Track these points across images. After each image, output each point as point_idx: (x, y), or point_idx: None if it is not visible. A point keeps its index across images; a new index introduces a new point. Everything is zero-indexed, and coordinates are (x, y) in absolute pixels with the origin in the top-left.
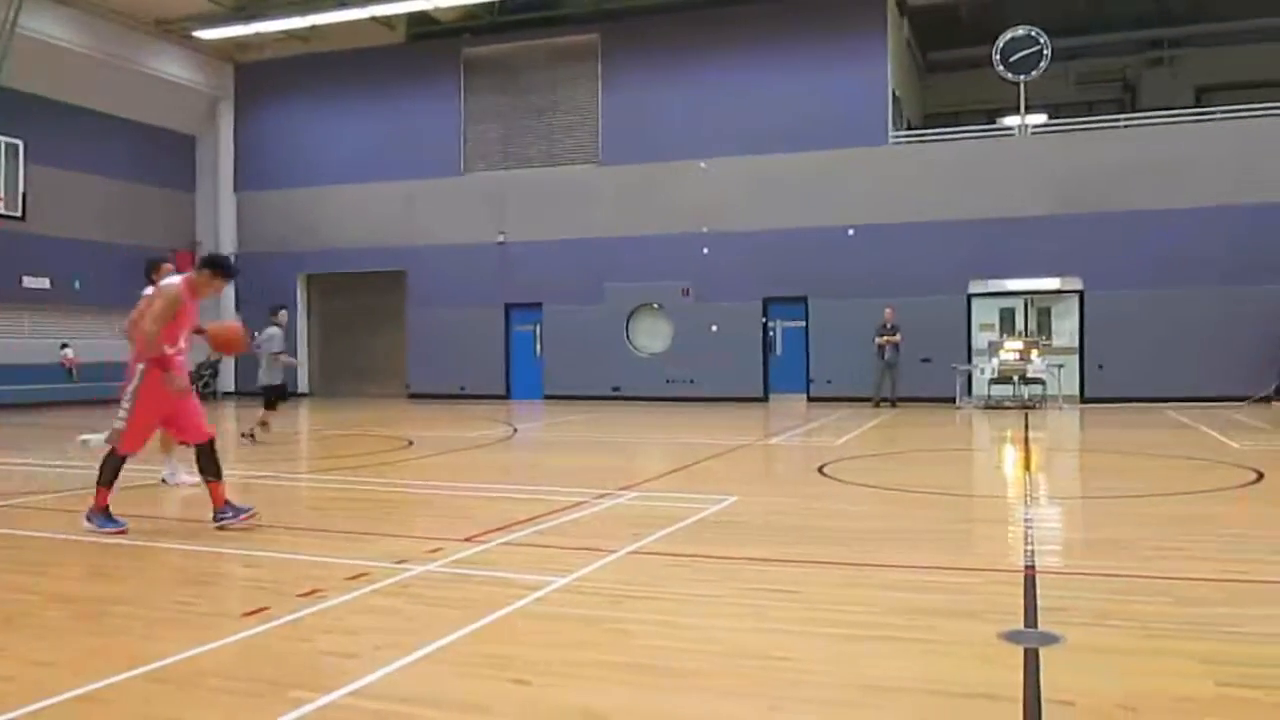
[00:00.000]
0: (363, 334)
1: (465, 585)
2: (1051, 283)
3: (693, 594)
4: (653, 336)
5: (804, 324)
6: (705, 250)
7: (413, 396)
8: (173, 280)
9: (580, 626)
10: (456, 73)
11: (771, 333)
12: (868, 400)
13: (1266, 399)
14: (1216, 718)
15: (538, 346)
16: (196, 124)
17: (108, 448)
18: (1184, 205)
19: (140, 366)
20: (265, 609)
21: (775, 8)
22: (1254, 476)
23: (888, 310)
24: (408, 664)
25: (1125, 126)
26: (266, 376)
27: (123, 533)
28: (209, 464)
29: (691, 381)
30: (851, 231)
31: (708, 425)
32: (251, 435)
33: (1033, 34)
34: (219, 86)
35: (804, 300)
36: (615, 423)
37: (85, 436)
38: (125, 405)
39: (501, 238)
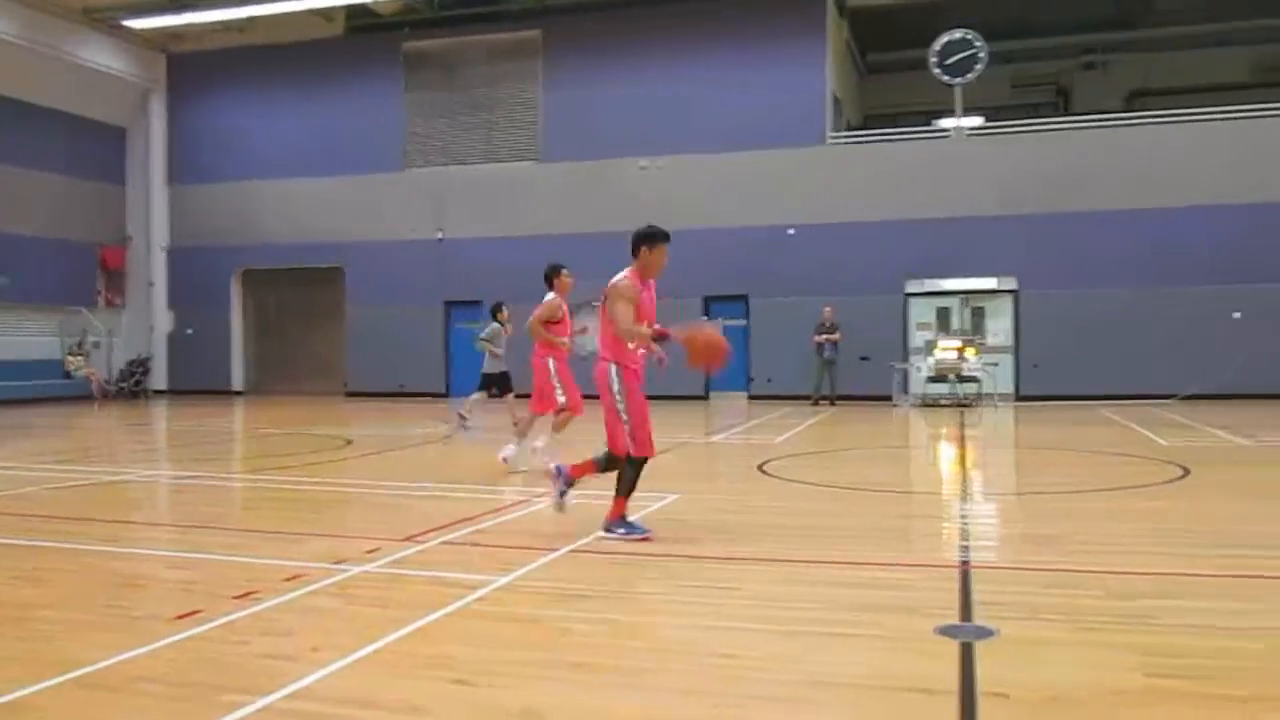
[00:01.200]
0: (300, 331)
1: (404, 585)
2: (987, 282)
3: (635, 592)
4: (595, 334)
5: (745, 322)
6: None
7: (351, 394)
8: (621, 275)
9: (522, 626)
10: (396, 67)
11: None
12: (807, 398)
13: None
14: (1147, 708)
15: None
16: (127, 115)
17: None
18: (1115, 207)
19: (613, 368)
20: (198, 611)
21: (716, 7)
22: (1180, 473)
23: (827, 309)
24: (346, 666)
25: (1058, 130)
26: (489, 366)
27: (648, 539)
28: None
29: None
30: (792, 231)
31: None
32: (464, 418)
33: (968, 37)
34: (150, 77)
35: (744, 299)
36: None
37: (504, 454)
38: (623, 414)
39: (440, 235)
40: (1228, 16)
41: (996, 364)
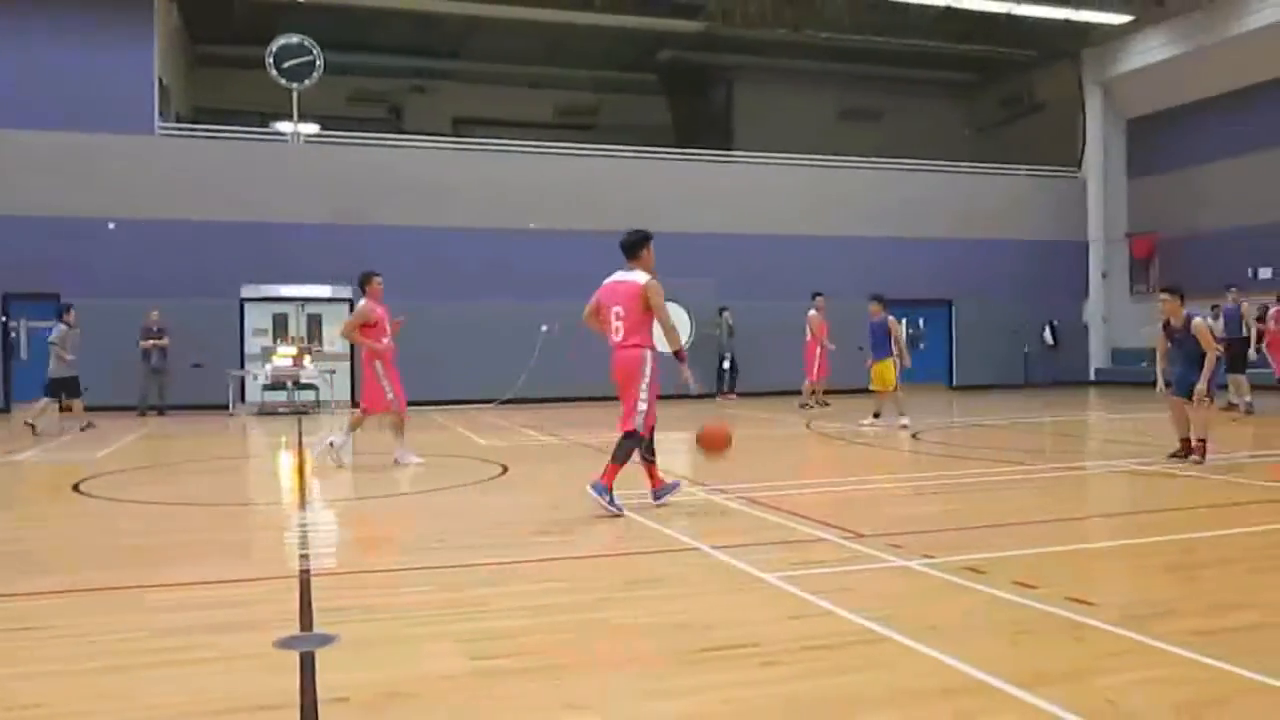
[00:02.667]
0: None
1: None
2: (324, 290)
3: None
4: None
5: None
6: None
7: None
8: (640, 273)
9: None
10: None
11: (15, 333)
12: (134, 409)
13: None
14: (473, 689)
15: None
16: None
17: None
18: (444, 225)
19: (648, 353)
20: None
21: None
22: (501, 469)
23: (154, 312)
24: None
25: (390, 146)
26: (56, 371)
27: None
28: (648, 449)
29: None
30: (112, 225)
31: None
32: (33, 426)
33: (305, 44)
34: None
35: (56, 297)
36: None
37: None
38: (643, 395)
39: None
40: (533, 62)
41: (334, 371)
